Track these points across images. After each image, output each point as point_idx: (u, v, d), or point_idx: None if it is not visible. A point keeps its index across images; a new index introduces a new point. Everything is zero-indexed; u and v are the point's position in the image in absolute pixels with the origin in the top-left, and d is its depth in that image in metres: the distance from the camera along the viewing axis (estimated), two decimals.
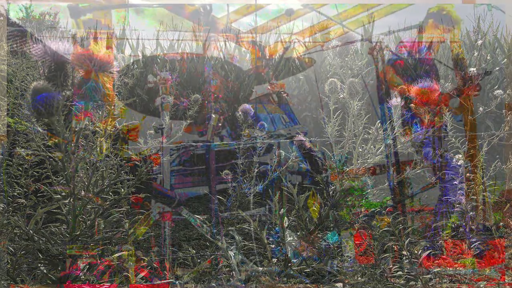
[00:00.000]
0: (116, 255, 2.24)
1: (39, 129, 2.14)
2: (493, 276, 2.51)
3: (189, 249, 2.85)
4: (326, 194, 2.79)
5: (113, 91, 2.10)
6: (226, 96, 4.95)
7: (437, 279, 2.45)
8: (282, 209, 2.67)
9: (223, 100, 4.85)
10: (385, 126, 2.97)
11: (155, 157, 2.66)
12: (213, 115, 4.20)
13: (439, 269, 2.52)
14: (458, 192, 2.88)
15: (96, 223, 2.19)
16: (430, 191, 3.32)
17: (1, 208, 2.53)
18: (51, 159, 2.10)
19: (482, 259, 2.69)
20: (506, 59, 6.57)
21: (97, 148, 2.17)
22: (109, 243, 2.30)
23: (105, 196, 2.23)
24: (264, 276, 2.43)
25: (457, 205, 2.87)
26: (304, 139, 3.04)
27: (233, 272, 2.45)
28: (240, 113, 3.08)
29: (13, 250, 2.21)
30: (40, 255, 2.14)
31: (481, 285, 2.43)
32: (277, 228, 2.64)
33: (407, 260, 2.44)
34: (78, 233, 2.13)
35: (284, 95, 5.09)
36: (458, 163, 2.90)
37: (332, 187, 2.78)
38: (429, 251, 2.55)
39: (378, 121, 3.06)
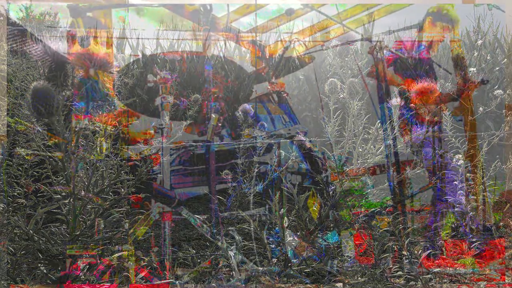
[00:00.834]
0: (116, 255, 2.24)
1: (39, 129, 2.14)
2: (493, 276, 2.51)
3: (189, 249, 2.85)
4: (326, 194, 2.79)
5: (114, 90, 2.11)
6: (226, 95, 4.94)
7: (437, 279, 2.45)
8: (282, 209, 2.67)
9: (223, 100, 4.85)
10: (385, 126, 2.97)
11: (155, 157, 2.66)
12: (213, 115, 4.19)
13: (439, 269, 2.52)
14: (458, 192, 2.88)
15: (96, 223, 2.20)
16: (430, 191, 3.32)
17: (1, 208, 2.53)
18: (51, 159, 2.10)
19: (482, 258, 2.69)
20: (506, 59, 6.56)
21: (97, 148, 2.17)
22: (109, 243, 2.30)
23: (105, 196, 2.23)
24: (264, 276, 2.43)
25: (457, 205, 2.87)
26: (304, 139, 3.04)
27: (233, 272, 2.45)
28: (240, 113, 3.08)
29: (13, 250, 2.21)
30: (40, 255, 2.14)
31: (481, 285, 2.43)
32: (277, 228, 2.64)
33: (407, 260, 2.44)
34: (78, 233, 2.13)
35: (284, 95, 5.09)
36: (458, 163, 2.90)
37: (332, 187, 2.78)
38: (429, 251, 2.55)
39: (378, 121, 3.06)
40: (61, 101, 1.97)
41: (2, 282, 2.12)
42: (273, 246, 2.61)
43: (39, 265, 2.14)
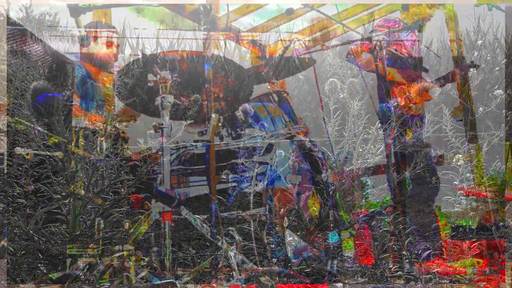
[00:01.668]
0: (117, 255, 2.24)
1: (39, 128, 2.14)
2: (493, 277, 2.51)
3: (189, 249, 2.85)
4: (326, 194, 2.79)
5: (114, 90, 2.11)
6: (226, 95, 4.94)
7: (437, 279, 2.45)
8: (282, 209, 2.67)
9: (223, 100, 4.85)
10: (385, 126, 2.97)
11: (155, 157, 2.66)
12: (213, 115, 4.19)
13: (439, 269, 2.52)
14: (458, 192, 2.88)
15: (96, 223, 2.20)
16: (429, 191, 3.32)
17: (1, 208, 2.53)
18: (51, 159, 2.10)
19: (482, 258, 2.69)
20: (506, 59, 6.56)
21: (97, 148, 2.17)
22: (109, 243, 2.30)
23: (105, 196, 2.23)
24: (264, 276, 2.43)
25: (457, 205, 2.87)
26: (304, 139, 3.04)
27: (233, 272, 2.45)
28: (240, 112, 3.08)
29: (13, 250, 2.21)
30: (40, 255, 2.14)
31: (481, 285, 2.43)
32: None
33: (407, 260, 2.44)
34: (78, 233, 2.13)
35: (284, 94, 5.08)
36: (458, 163, 2.90)
37: (332, 187, 2.78)
38: (429, 251, 2.55)
39: (378, 121, 3.06)
40: (61, 101, 1.97)
41: (2, 282, 2.12)
42: (273, 246, 2.61)
43: (39, 265, 2.14)
